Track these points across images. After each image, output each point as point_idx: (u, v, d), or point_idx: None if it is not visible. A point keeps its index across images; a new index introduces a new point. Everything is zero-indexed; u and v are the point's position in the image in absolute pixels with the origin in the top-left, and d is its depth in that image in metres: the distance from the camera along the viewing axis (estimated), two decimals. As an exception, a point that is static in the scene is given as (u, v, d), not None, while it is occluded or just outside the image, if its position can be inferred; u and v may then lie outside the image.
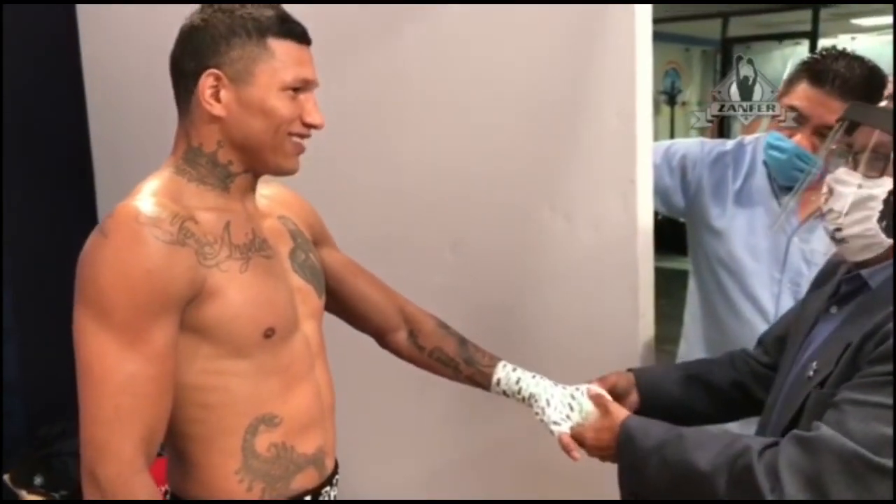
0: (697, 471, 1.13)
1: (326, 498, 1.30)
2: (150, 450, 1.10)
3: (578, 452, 1.35)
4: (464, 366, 1.48)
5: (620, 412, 1.33)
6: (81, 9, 2.69)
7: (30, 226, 2.75)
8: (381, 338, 1.52)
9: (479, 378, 1.47)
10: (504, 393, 1.45)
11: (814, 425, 1.08)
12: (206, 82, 1.17)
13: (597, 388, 1.40)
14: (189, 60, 1.18)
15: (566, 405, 1.39)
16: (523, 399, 1.42)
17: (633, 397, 1.45)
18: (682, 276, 2.05)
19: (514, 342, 1.84)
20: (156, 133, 2.42)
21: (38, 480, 2.67)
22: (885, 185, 1.12)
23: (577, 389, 1.41)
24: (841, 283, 1.25)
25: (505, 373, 1.45)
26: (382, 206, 1.99)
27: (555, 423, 1.37)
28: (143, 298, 1.07)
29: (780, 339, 1.39)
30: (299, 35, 1.20)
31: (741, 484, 1.09)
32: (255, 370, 1.19)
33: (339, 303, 1.46)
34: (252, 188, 1.26)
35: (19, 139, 2.73)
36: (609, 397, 1.38)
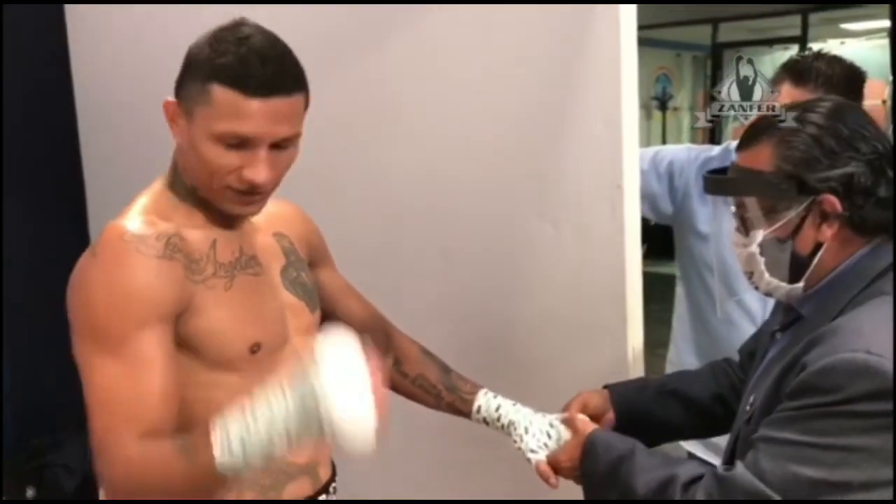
0: (635, 493, 1.16)
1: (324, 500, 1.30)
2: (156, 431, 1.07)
3: (556, 480, 1.34)
4: (445, 392, 1.47)
5: (588, 426, 1.33)
6: (69, 9, 2.69)
7: (20, 241, 2.74)
8: None
9: (459, 405, 1.46)
10: (484, 420, 1.44)
11: (736, 463, 1.09)
12: (167, 109, 1.16)
13: (573, 416, 1.38)
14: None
15: (544, 433, 1.38)
16: (502, 426, 1.41)
17: (610, 415, 1.43)
18: (674, 281, 2.06)
19: (503, 348, 1.85)
20: (147, 139, 2.42)
21: (30, 493, 2.66)
22: (755, 238, 1.15)
23: (557, 418, 1.40)
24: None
25: (486, 399, 1.44)
26: (371, 214, 1.99)
27: (532, 450, 1.37)
28: (135, 314, 1.07)
29: (752, 354, 1.38)
30: (253, 88, 1.09)
31: None
32: (241, 384, 1.17)
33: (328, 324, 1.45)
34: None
35: (8, 151, 2.72)
36: (582, 417, 1.37)
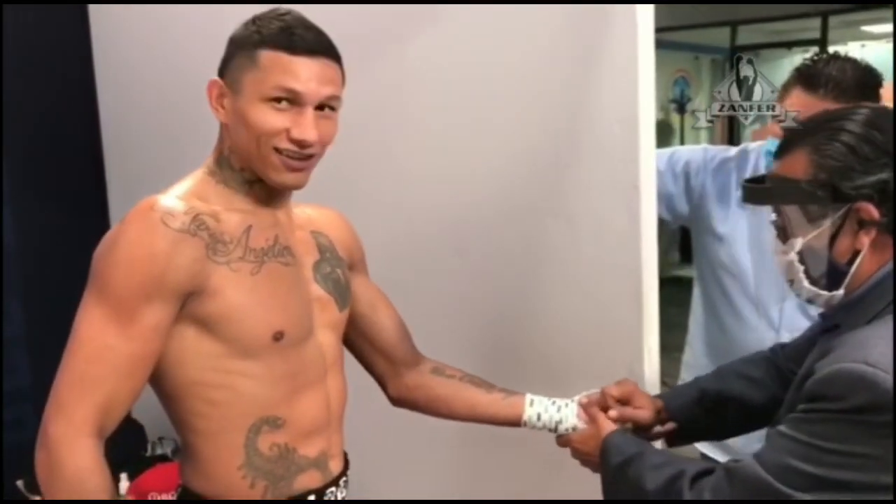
0: (644, 490, 1.20)
1: (332, 498, 1.31)
2: (106, 421, 1.13)
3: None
4: (497, 388, 1.47)
5: (606, 425, 1.37)
6: (93, 9, 2.72)
7: (39, 234, 2.77)
8: (397, 375, 1.48)
9: (512, 397, 1.46)
10: (536, 411, 1.45)
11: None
12: (211, 90, 1.22)
13: (589, 396, 1.44)
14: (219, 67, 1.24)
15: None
16: (558, 411, 1.45)
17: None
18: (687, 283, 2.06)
19: (518, 348, 1.85)
20: (169, 138, 2.45)
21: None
22: (794, 246, 1.16)
23: (574, 401, 1.45)
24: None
25: (536, 397, 1.46)
26: (386, 212, 2.00)
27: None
28: (139, 279, 1.11)
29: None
30: (296, 47, 1.17)
31: None
32: (263, 372, 1.21)
33: (360, 331, 1.45)
34: (279, 196, 1.27)
35: (30, 145, 2.75)
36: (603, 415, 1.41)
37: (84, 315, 1.13)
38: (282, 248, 1.25)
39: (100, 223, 2.70)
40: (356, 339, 1.46)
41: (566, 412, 1.44)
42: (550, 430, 1.45)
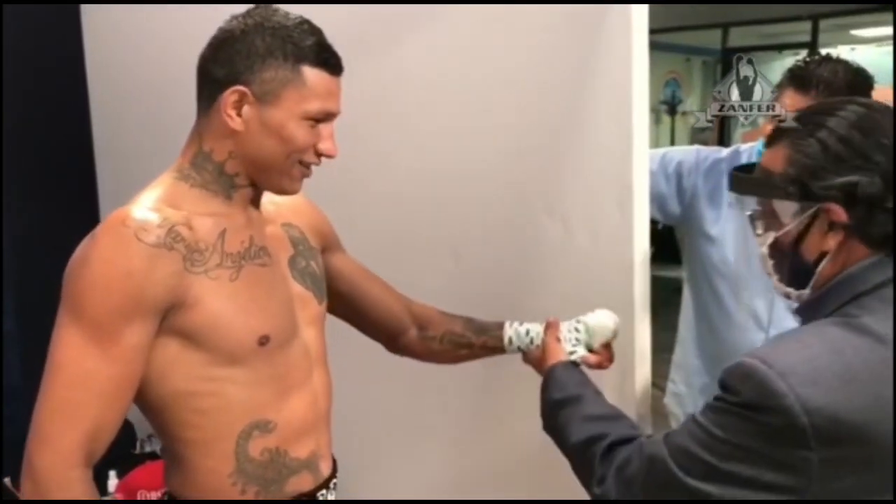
0: (567, 441, 1.23)
1: (322, 499, 1.30)
2: (94, 447, 1.10)
3: (608, 363, 1.44)
4: (475, 337, 1.51)
5: (555, 356, 1.39)
6: (86, 9, 2.71)
7: (32, 230, 2.76)
8: (393, 340, 1.52)
9: (492, 343, 1.50)
10: (518, 349, 1.48)
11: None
12: (231, 98, 1.16)
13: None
14: (219, 68, 1.18)
15: (572, 331, 1.44)
16: (531, 341, 1.47)
17: None
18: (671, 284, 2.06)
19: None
20: (160, 137, 2.43)
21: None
22: (766, 241, 1.15)
23: (582, 317, 1.47)
24: None
25: (514, 330, 1.49)
26: (382, 213, 2.00)
27: (570, 353, 1.42)
28: (117, 299, 1.08)
29: None
30: (334, 66, 1.19)
31: (584, 468, 1.18)
32: (250, 377, 1.19)
33: (351, 307, 1.46)
34: (256, 197, 1.26)
35: (21, 143, 2.74)
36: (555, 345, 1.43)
37: (61, 339, 1.09)
38: (258, 249, 1.23)
39: (91, 221, 2.69)
40: (345, 314, 1.47)
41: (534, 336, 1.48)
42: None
